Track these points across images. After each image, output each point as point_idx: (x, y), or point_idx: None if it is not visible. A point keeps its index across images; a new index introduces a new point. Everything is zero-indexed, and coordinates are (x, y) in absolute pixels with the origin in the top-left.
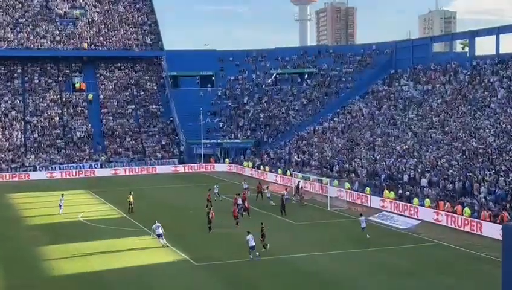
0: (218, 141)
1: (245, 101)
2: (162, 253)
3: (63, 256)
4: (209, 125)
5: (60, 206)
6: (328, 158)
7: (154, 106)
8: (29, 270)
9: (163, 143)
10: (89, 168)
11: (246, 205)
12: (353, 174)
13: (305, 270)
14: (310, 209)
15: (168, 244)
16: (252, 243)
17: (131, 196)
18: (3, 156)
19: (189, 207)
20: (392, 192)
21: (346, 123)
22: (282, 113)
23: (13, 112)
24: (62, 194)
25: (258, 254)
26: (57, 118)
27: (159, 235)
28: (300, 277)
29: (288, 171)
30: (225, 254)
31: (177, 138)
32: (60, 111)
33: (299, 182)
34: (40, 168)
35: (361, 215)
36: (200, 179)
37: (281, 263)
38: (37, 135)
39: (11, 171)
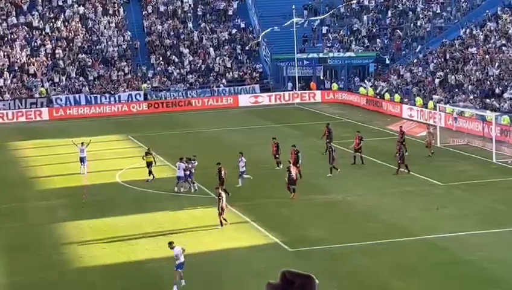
0: (321, 55)
1: None
2: (238, 233)
3: (94, 238)
4: (305, 31)
5: (82, 161)
6: (493, 80)
7: (221, 2)
8: (44, 259)
9: (235, 61)
10: (128, 100)
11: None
12: None
13: (458, 258)
14: (464, 161)
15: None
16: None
17: (151, 155)
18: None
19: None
20: None
21: None
22: (420, 8)
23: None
24: (82, 143)
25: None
26: (78, 24)
27: (178, 178)
28: (447, 267)
29: (430, 102)
30: (335, 234)
31: (256, 51)
32: (83, 12)
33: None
34: (58, 101)
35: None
36: (294, 116)
37: (422, 248)
38: (49, 50)
39: (14, 108)
